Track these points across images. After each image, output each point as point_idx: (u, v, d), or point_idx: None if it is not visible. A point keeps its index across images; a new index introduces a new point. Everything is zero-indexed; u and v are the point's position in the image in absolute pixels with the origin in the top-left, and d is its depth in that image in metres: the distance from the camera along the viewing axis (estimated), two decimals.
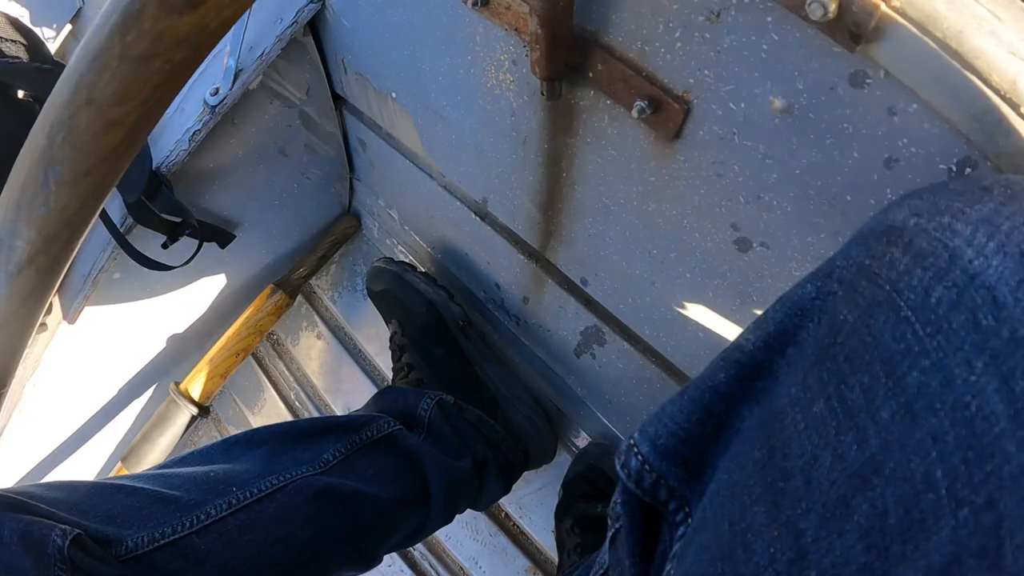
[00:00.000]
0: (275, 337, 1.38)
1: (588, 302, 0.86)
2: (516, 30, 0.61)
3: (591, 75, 0.58)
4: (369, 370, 1.25)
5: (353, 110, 1.07)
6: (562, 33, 0.54)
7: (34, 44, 1.14)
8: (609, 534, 0.43)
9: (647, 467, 0.38)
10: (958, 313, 0.24)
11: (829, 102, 0.43)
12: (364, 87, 0.97)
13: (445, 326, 1.01)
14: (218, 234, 1.03)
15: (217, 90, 0.85)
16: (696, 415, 0.36)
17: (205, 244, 0.98)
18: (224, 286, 1.19)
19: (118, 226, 0.87)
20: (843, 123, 0.43)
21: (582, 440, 1.03)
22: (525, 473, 1.02)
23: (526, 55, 0.61)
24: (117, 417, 1.22)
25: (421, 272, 1.07)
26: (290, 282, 1.21)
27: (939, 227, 0.26)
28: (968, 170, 0.38)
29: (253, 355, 1.37)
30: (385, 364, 1.23)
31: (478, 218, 0.94)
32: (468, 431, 0.91)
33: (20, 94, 0.94)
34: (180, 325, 1.18)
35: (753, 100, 0.47)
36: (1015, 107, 0.34)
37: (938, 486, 0.22)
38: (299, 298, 1.31)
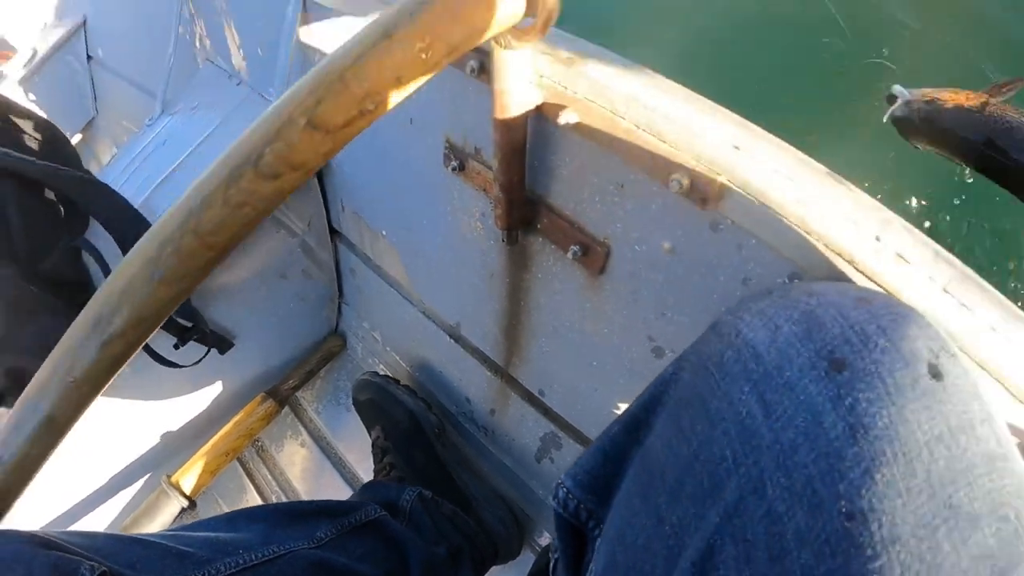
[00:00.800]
0: (260, 443, 1.49)
1: (546, 411, 1.00)
2: (484, 191, 0.80)
3: (539, 226, 0.76)
4: (349, 478, 1.36)
5: (347, 242, 1.26)
6: (517, 196, 0.72)
7: (58, 142, 1.33)
8: (551, 566, 0.58)
9: (571, 496, 0.53)
10: (736, 363, 0.40)
11: (699, 243, 0.60)
12: (358, 224, 1.16)
13: (424, 433, 1.14)
14: (220, 341, 1.17)
15: None
16: (601, 458, 0.52)
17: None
18: (219, 390, 1.32)
19: None
20: (711, 257, 0.60)
21: (544, 539, 1.14)
22: (493, 568, 1.12)
23: (492, 209, 0.79)
24: (107, 503, 1.31)
25: (403, 385, 1.20)
26: (279, 392, 1.34)
27: (733, 316, 0.43)
28: (796, 280, 0.54)
29: (238, 458, 1.48)
30: (364, 473, 1.33)
31: (452, 340, 1.10)
32: (445, 523, 1.02)
33: (50, 195, 1.12)
34: (175, 422, 1.30)
35: (651, 244, 0.65)
36: (810, 235, 0.51)
37: (727, 459, 0.38)
38: (285, 408, 1.43)
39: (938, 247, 0.47)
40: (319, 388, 1.47)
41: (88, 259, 1.14)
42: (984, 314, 0.45)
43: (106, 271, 1.09)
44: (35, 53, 2.38)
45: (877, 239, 0.47)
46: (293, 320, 1.35)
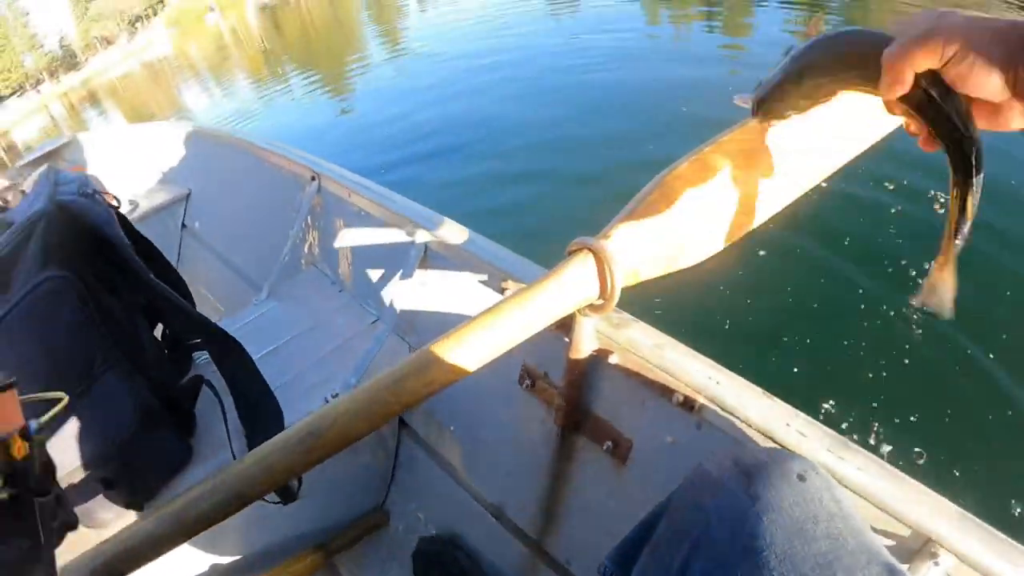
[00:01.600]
0: None
1: None
2: (546, 403, 1.18)
3: (583, 428, 1.13)
4: None
5: (413, 434, 1.60)
6: (573, 407, 1.10)
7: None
8: None
9: (608, 568, 0.84)
10: (701, 479, 0.76)
11: (688, 436, 0.98)
12: (429, 420, 1.52)
13: None
14: (288, 493, 1.33)
15: (336, 394, 1.40)
16: (627, 548, 0.84)
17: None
18: (269, 538, 1.54)
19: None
20: (695, 444, 0.96)
21: None
22: None
23: (550, 415, 1.15)
24: None
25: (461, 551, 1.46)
26: (322, 553, 1.58)
27: (702, 464, 0.79)
28: (739, 449, 0.91)
29: None
30: None
31: (493, 517, 1.41)
32: None
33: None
34: (223, 558, 1.49)
35: (660, 438, 1.02)
36: (750, 427, 0.88)
37: (696, 525, 0.72)
38: (322, 570, 1.64)
39: (825, 428, 0.86)
40: (357, 554, 1.69)
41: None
42: (843, 457, 0.82)
43: (224, 414, 1.35)
44: (135, 206, 2.79)
45: (787, 424, 0.86)
46: (345, 488, 1.63)
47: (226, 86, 15.47)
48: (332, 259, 1.91)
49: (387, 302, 1.64)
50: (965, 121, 0.58)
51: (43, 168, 1.56)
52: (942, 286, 0.65)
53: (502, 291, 1.32)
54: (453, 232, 1.53)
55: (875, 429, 2.14)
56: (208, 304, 2.55)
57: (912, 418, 2.20)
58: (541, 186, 4.46)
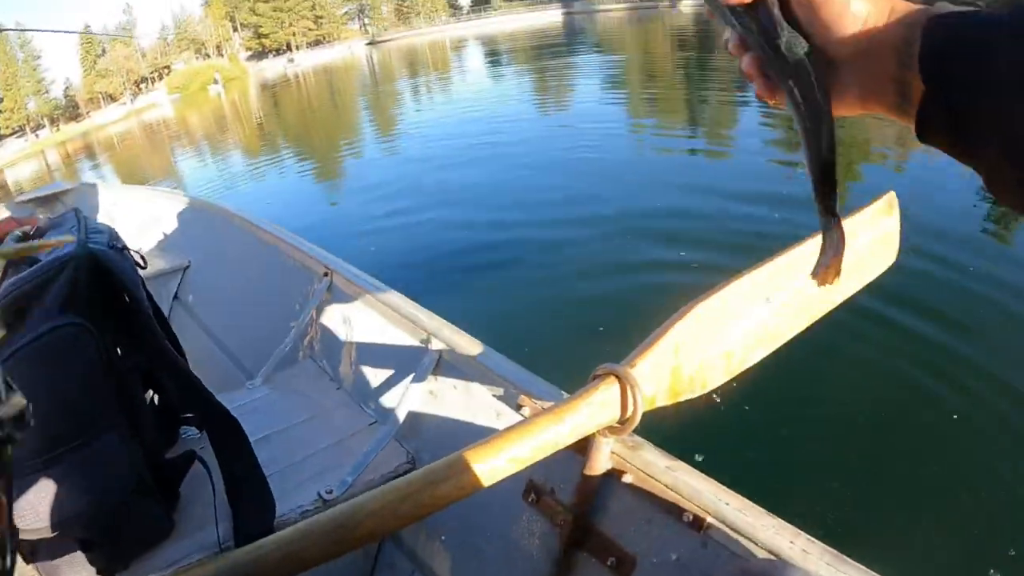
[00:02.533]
0: None
1: None
2: (550, 519, 1.19)
3: (589, 544, 1.14)
4: None
5: (397, 539, 1.56)
6: (580, 525, 1.11)
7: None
8: None
9: None
10: None
11: (695, 555, 0.99)
12: (418, 526, 1.49)
13: None
14: None
15: (331, 491, 1.40)
16: None
17: None
18: None
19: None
20: (701, 563, 0.98)
21: None
22: None
23: (553, 531, 1.16)
24: None
25: None
26: None
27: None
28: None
29: None
30: None
31: None
32: None
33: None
34: None
35: (665, 555, 1.04)
36: (758, 546, 0.90)
37: None
38: None
39: (825, 545, 0.89)
40: None
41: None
42: (843, 572, 0.85)
43: (214, 493, 1.32)
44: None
45: (791, 543, 0.90)
46: None
47: (220, 156, 15.76)
48: (334, 355, 1.92)
49: (390, 406, 1.65)
50: (785, 30, 0.52)
51: (70, 211, 1.56)
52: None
53: (518, 408, 1.35)
54: (467, 343, 1.56)
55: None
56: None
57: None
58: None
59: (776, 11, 0.52)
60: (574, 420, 0.90)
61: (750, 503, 1.00)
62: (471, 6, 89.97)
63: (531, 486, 1.23)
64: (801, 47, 0.52)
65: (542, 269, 4.88)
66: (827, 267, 0.60)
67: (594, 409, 0.91)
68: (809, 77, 0.53)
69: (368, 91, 24.95)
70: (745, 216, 5.51)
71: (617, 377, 0.93)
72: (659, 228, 5.43)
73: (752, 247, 4.47)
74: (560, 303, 4.33)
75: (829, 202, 0.57)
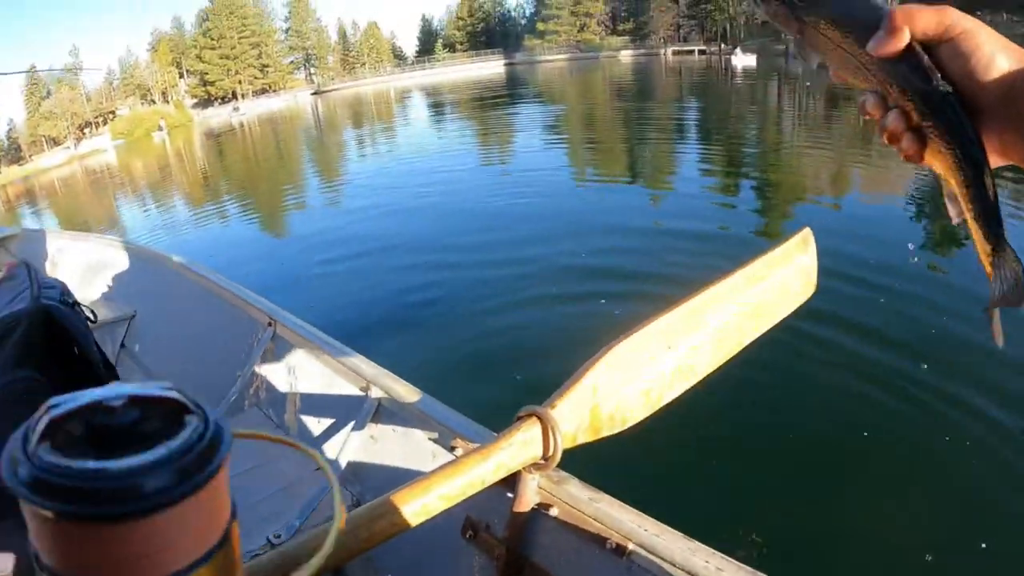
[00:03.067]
0: None
1: None
2: (488, 553, 1.26)
3: (524, 574, 1.21)
4: None
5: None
6: (515, 557, 1.19)
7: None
8: None
9: None
10: None
11: None
12: (367, 566, 1.55)
13: None
14: None
15: (279, 535, 1.45)
16: None
17: None
18: None
19: None
20: None
21: None
22: None
23: (491, 564, 1.23)
24: None
25: None
26: None
27: None
28: None
29: None
30: None
31: None
32: None
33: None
34: None
35: None
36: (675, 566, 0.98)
37: None
38: None
39: (739, 563, 0.97)
40: None
41: None
42: None
43: None
44: None
45: (706, 562, 0.98)
46: None
47: (164, 205, 15.59)
48: (278, 404, 1.97)
49: (333, 452, 1.71)
50: (938, 76, 0.53)
51: (20, 265, 1.59)
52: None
53: (452, 449, 1.43)
54: (405, 391, 1.64)
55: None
56: None
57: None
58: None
59: (926, 59, 0.54)
60: (499, 459, 0.98)
61: (668, 528, 1.07)
62: (416, 57, 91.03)
63: (468, 522, 1.30)
64: (953, 96, 0.53)
65: (478, 312, 4.99)
66: (1009, 299, 0.57)
67: (517, 448, 0.99)
68: (966, 125, 0.53)
69: (313, 140, 25.08)
70: (674, 256, 5.76)
71: (539, 418, 1.01)
72: (592, 269, 5.64)
73: (681, 283, 4.63)
74: (493, 345, 4.43)
75: (999, 242, 0.56)
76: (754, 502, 2.72)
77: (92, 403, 0.29)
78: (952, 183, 0.56)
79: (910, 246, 6.27)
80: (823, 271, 1.46)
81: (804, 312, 1.48)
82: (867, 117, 0.60)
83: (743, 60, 44.11)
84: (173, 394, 0.31)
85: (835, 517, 2.63)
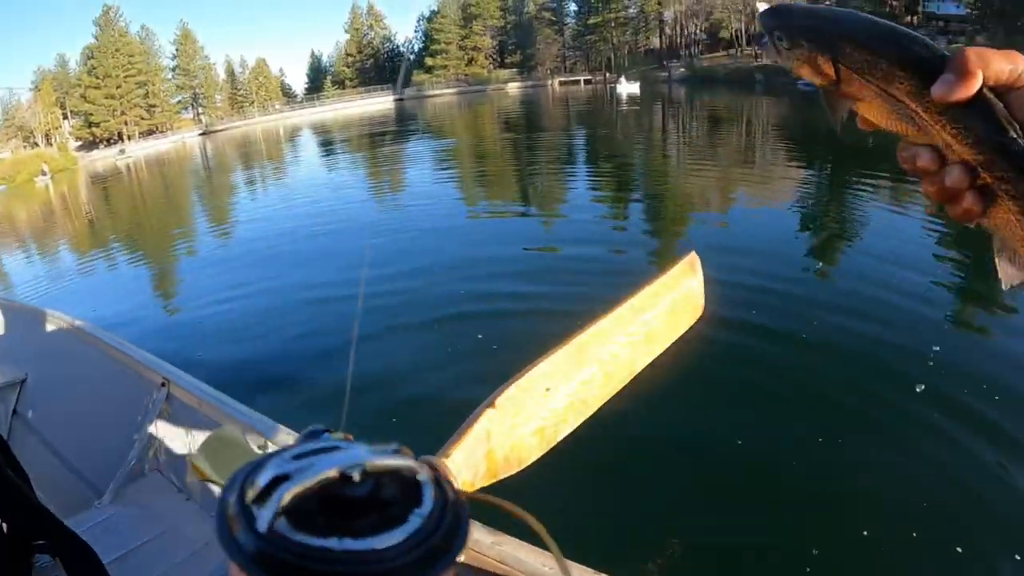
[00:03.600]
0: None
1: None
2: None
3: None
4: None
5: None
6: None
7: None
8: None
9: None
10: None
11: None
12: None
13: None
14: None
15: None
16: None
17: None
18: None
19: None
20: None
21: None
22: None
23: None
24: None
25: None
26: None
27: None
28: None
29: None
30: None
31: None
32: None
33: None
34: None
35: None
36: None
37: None
38: None
39: None
40: None
41: None
42: None
43: None
44: None
45: None
46: None
47: (49, 255, 14.76)
48: (179, 466, 1.90)
49: None
50: (1017, 128, 0.48)
51: None
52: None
53: None
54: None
55: None
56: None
57: None
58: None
59: (1001, 107, 0.48)
60: None
61: (573, 563, 1.08)
62: (305, 94, 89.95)
63: None
64: None
65: (370, 355, 4.89)
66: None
67: None
68: None
69: (202, 183, 24.30)
70: (566, 287, 5.85)
71: (433, 468, 1.01)
72: (485, 300, 5.71)
73: (574, 311, 4.75)
74: (385, 390, 4.35)
75: None
76: (656, 528, 2.78)
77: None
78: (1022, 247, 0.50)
79: (795, 253, 6.64)
80: (714, 285, 1.49)
81: (697, 332, 1.52)
82: (914, 173, 0.53)
83: (627, 88, 45.65)
84: (405, 461, 0.29)
85: (739, 536, 2.71)
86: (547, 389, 1.18)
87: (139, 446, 2.01)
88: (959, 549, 2.52)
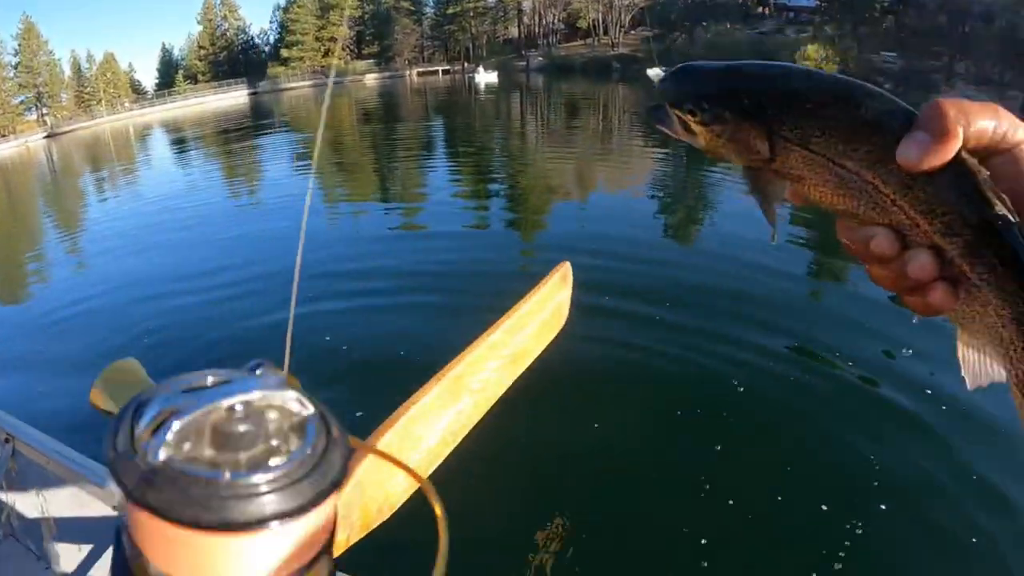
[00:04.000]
0: None
1: None
2: None
3: None
4: None
5: None
6: None
7: None
8: None
9: None
10: None
11: None
12: None
13: None
14: None
15: None
16: None
17: None
18: None
19: None
20: None
21: None
22: None
23: None
24: None
25: None
26: None
27: None
28: None
29: None
30: None
31: None
32: None
33: None
34: None
35: None
36: None
37: None
38: None
39: None
40: None
41: None
42: None
43: None
44: None
45: None
46: None
47: None
48: (35, 531, 1.76)
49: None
50: (1007, 201, 0.39)
51: None
52: None
53: None
54: None
55: None
56: None
57: None
58: None
59: (985, 174, 0.39)
60: None
61: None
62: (155, 90, 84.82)
63: None
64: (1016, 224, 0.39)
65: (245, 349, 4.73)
66: None
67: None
68: None
69: (49, 191, 22.39)
70: (427, 293, 5.80)
71: (319, 409, 0.95)
72: (337, 300, 5.58)
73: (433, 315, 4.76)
74: None
75: None
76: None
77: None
78: (1006, 348, 0.41)
79: (658, 228, 6.89)
80: (579, 274, 1.47)
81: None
82: (863, 258, 0.44)
83: (485, 77, 45.93)
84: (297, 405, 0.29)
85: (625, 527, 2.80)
86: (421, 432, 1.15)
87: None
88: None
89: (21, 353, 5.94)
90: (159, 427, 0.27)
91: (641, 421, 3.54)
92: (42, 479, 1.74)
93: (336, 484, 0.28)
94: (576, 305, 1.46)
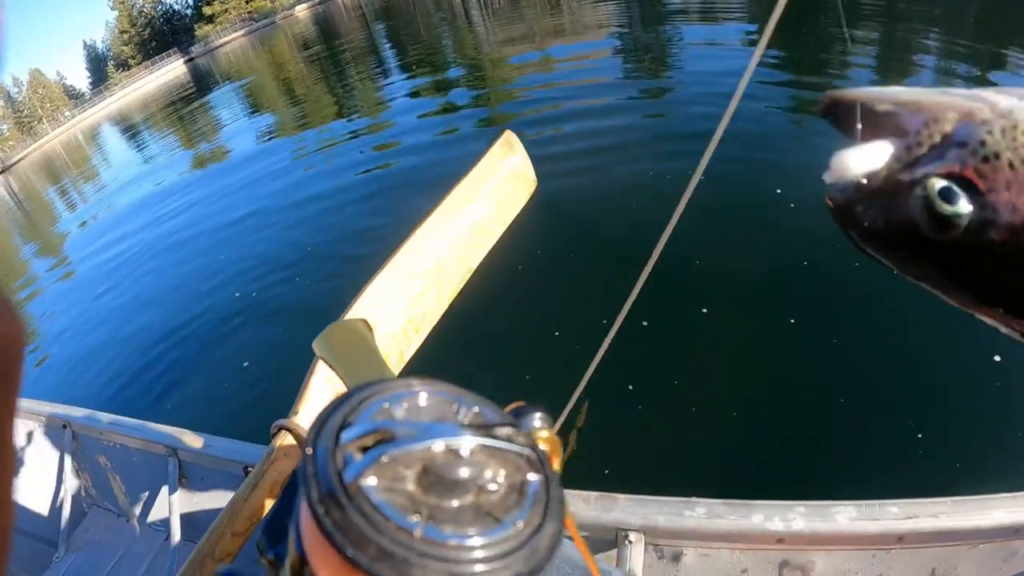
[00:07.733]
0: None
1: None
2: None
3: None
4: None
5: None
6: None
7: None
8: None
9: None
10: None
11: None
12: None
13: None
14: None
15: None
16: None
17: None
18: None
19: None
20: None
21: None
22: None
23: None
24: None
25: None
26: None
27: None
28: None
29: None
30: None
31: None
32: None
33: None
34: None
35: None
36: None
37: None
38: None
39: None
40: None
41: None
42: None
43: None
44: None
45: None
46: None
47: None
48: (109, 495, 1.96)
49: (166, 516, 1.73)
50: None
51: None
52: None
53: (247, 474, 1.47)
54: (197, 440, 1.71)
55: None
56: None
57: None
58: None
59: None
60: (269, 478, 1.00)
61: None
62: (91, 89, 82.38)
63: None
64: None
65: (208, 339, 4.70)
66: None
67: (281, 463, 1.02)
68: None
69: (22, 223, 22.05)
70: (399, 190, 5.70)
71: (287, 429, 1.04)
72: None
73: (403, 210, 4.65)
74: (221, 361, 4.27)
75: None
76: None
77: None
78: None
79: (623, 98, 6.64)
80: (544, 149, 1.44)
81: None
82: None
83: None
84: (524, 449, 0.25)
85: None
86: (379, 318, 1.16)
87: (65, 490, 2.05)
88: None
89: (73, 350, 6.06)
90: (368, 448, 0.24)
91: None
92: (102, 450, 1.93)
93: (535, 573, 0.23)
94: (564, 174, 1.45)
